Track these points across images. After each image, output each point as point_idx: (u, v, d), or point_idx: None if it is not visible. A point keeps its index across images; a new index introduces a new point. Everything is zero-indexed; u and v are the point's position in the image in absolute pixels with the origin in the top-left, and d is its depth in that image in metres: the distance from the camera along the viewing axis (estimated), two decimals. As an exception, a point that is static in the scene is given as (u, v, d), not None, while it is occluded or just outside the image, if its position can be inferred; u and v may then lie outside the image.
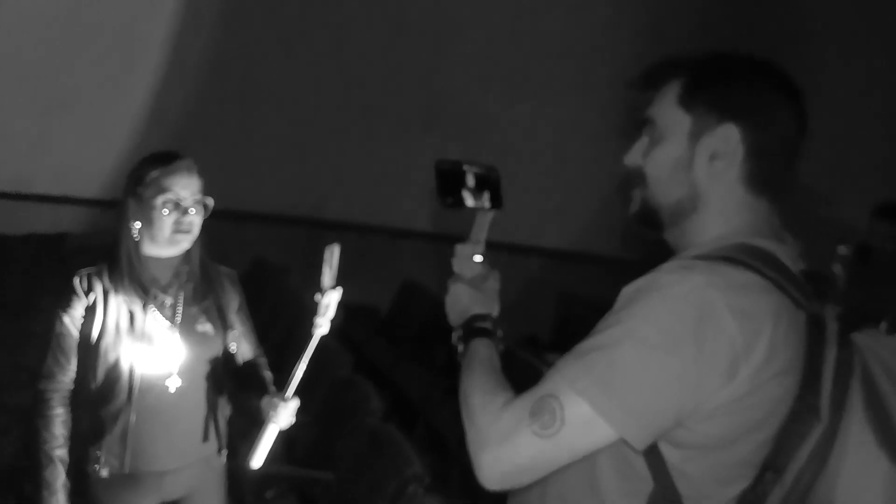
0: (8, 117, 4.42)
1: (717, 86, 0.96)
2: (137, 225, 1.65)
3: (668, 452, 0.90)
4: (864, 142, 4.14)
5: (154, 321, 1.68)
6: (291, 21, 4.70)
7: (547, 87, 4.63)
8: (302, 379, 1.60)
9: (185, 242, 1.68)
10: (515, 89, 4.67)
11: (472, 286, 1.13)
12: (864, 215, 3.15)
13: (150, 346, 1.66)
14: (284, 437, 1.67)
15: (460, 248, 1.15)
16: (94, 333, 1.65)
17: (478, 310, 1.10)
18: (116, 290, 1.65)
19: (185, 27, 4.65)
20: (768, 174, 0.97)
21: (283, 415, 1.61)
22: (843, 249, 2.43)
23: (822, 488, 0.91)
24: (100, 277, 1.66)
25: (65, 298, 1.66)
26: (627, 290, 0.92)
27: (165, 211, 1.62)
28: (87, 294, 1.65)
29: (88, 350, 1.66)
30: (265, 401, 1.66)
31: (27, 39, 4.38)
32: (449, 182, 1.10)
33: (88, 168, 4.58)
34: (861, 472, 0.90)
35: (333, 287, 1.51)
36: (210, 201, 1.68)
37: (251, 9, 4.68)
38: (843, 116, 4.07)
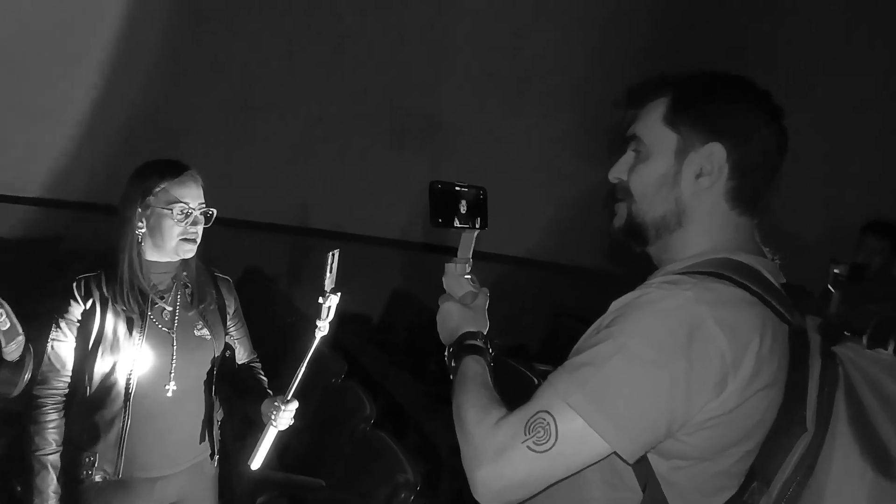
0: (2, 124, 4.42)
1: (702, 105, 0.99)
2: (142, 231, 1.67)
3: (657, 463, 0.92)
4: (854, 160, 4.21)
5: (152, 326, 1.69)
6: (292, 32, 4.72)
7: (542, 103, 4.67)
8: (299, 383, 1.62)
9: (191, 252, 1.70)
10: (511, 105, 4.70)
11: (461, 304, 1.15)
12: (855, 231, 3.22)
13: (147, 351, 1.67)
14: (277, 443, 1.68)
15: (450, 268, 1.18)
16: (91, 339, 1.64)
17: (468, 327, 1.12)
18: (115, 296, 1.65)
19: (182, 35, 4.68)
20: (751, 191, 1.00)
21: (284, 417, 1.63)
22: (837, 268, 2.48)
23: (809, 497, 0.93)
24: (98, 283, 1.66)
25: (62, 304, 1.65)
26: (616, 305, 0.94)
27: (177, 220, 1.65)
28: (84, 300, 1.65)
29: (84, 356, 1.65)
30: (265, 404, 1.68)
31: (16, 46, 4.39)
32: (441, 203, 1.13)
33: (82, 173, 4.58)
34: (847, 481, 0.91)
35: (334, 291, 1.54)
36: (213, 211, 1.71)
37: (253, 18, 4.71)
38: (833, 134, 4.15)
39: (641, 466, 0.92)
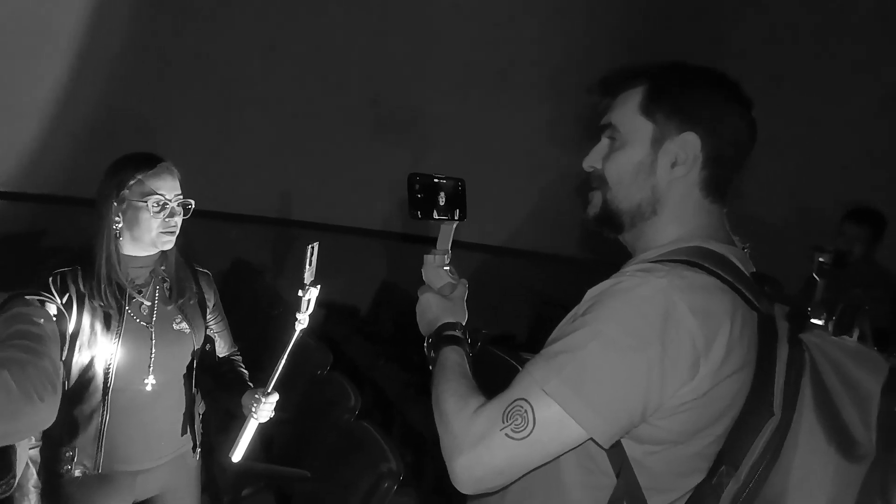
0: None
1: (678, 95, 1.00)
2: (119, 225, 1.66)
3: (631, 447, 0.93)
4: (827, 149, 4.26)
5: (130, 320, 1.68)
6: (274, 25, 4.69)
7: (523, 94, 4.68)
8: (281, 375, 1.63)
9: (170, 243, 1.70)
10: (493, 96, 4.70)
11: (440, 295, 1.17)
12: (828, 220, 3.26)
13: (125, 345, 1.66)
14: (262, 435, 1.69)
15: (428, 259, 1.19)
16: (68, 334, 1.63)
17: (447, 318, 1.13)
18: (91, 291, 1.64)
19: (165, 29, 4.62)
20: (723, 180, 1.02)
21: (264, 409, 1.64)
22: (822, 256, 2.51)
23: (776, 479, 0.95)
24: (74, 278, 1.64)
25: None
26: (592, 293, 0.95)
27: (153, 212, 1.64)
28: (60, 294, 1.63)
29: (61, 351, 1.62)
30: (246, 396, 1.69)
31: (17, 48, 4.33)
32: (420, 195, 1.14)
33: (64, 168, 4.52)
34: (812, 463, 0.94)
35: (313, 283, 1.54)
36: (191, 202, 1.70)
37: (235, 11, 4.67)
38: (807, 123, 4.20)
39: (616, 451, 0.93)
